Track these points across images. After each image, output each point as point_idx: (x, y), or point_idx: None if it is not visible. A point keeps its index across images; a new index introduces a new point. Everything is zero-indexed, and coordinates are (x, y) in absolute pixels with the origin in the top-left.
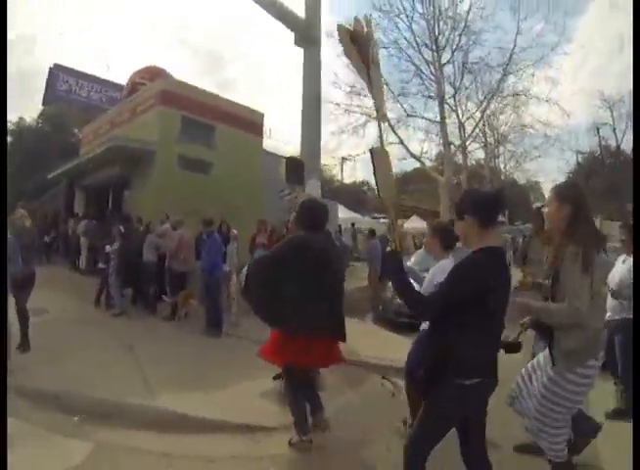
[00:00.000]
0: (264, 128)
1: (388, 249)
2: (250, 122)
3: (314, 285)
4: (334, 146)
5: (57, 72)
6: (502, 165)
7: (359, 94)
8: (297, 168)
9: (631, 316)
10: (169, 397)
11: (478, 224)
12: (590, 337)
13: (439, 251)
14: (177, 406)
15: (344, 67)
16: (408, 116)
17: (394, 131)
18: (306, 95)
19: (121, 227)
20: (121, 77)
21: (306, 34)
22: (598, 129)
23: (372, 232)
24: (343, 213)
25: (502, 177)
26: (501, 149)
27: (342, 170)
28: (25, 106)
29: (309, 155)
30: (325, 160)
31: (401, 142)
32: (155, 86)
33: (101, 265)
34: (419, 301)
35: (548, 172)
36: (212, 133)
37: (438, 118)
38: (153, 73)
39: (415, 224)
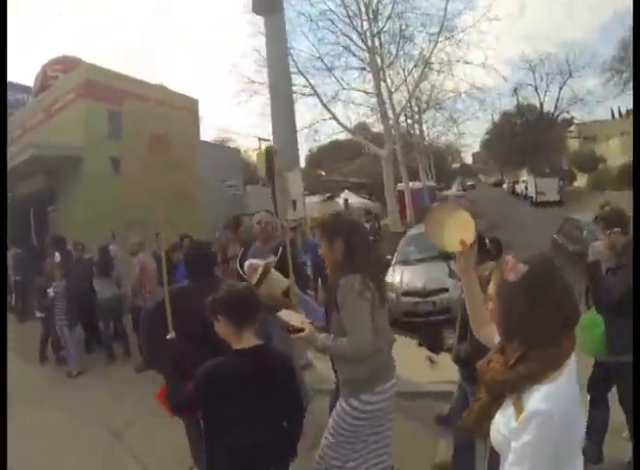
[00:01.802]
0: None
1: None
2: (182, 110)
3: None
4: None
5: None
6: (426, 132)
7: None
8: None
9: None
10: None
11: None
12: (377, 364)
13: None
14: None
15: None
16: (344, 89)
17: (326, 107)
18: (273, 71)
19: (57, 255)
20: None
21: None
22: (516, 90)
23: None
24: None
25: (426, 143)
26: (426, 115)
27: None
28: None
29: (285, 144)
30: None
31: (334, 117)
32: (73, 77)
33: (39, 315)
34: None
35: (469, 135)
36: None
37: (372, 90)
38: (68, 64)
39: (350, 200)
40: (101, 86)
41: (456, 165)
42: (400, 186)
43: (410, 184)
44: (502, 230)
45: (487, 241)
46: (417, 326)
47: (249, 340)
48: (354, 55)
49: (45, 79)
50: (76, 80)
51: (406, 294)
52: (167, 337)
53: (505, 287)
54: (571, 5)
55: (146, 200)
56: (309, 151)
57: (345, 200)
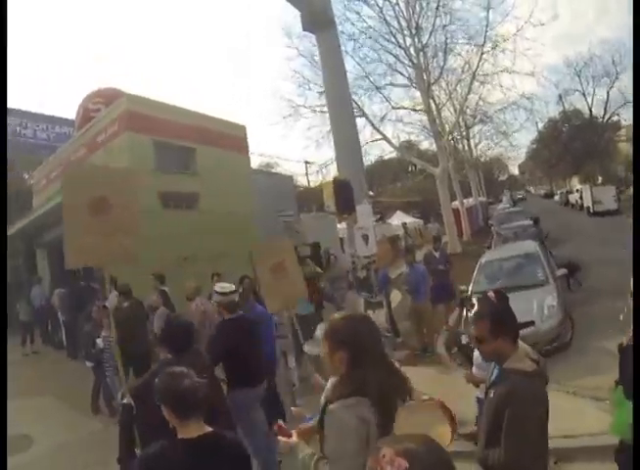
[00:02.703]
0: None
1: None
2: (231, 138)
3: None
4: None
5: None
6: (474, 146)
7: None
8: (347, 193)
9: None
10: None
11: None
12: None
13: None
14: None
15: (312, 66)
16: (393, 108)
17: (376, 127)
18: (330, 91)
19: (105, 304)
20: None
21: (318, 15)
22: (560, 96)
23: (410, 253)
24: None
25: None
26: (472, 130)
27: (307, 175)
28: None
29: (351, 173)
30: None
31: (385, 138)
32: (115, 109)
33: (89, 364)
34: None
35: (518, 146)
36: (192, 157)
37: (420, 107)
38: (109, 96)
39: (401, 220)
40: (144, 117)
41: (502, 178)
42: (454, 204)
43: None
44: (567, 244)
45: None
46: None
47: (195, 429)
48: (399, 72)
49: (87, 113)
50: (118, 112)
51: None
52: (124, 401)
53: None
54: (603, 2)
55: (89, 263)
56: None
57: (404, 223)
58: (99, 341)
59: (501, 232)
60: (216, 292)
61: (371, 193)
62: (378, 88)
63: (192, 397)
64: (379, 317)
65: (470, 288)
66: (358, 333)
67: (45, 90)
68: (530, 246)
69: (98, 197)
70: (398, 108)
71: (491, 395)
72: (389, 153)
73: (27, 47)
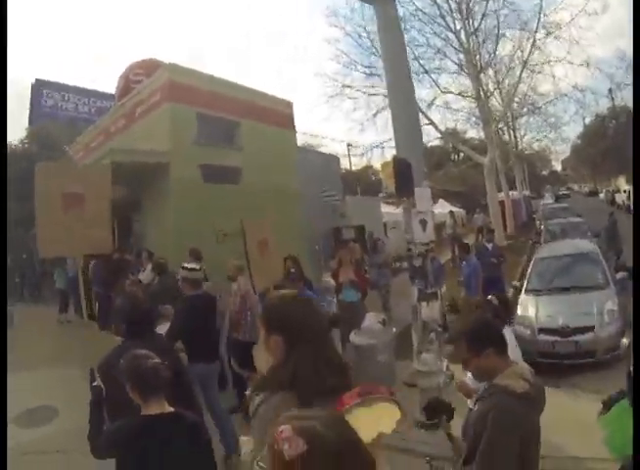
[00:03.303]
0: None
1: None
2: (277, 114)
3: None
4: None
5: (40, 88)
6: (519, 138)
7: (376, 75)
8: (407, 174)
9: None
10: None
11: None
12: None
13: None
14: None
15: (357, 46)
16: (442, 92)
17: (424, 112)
18: (390, 65)
19: (140, 278)
20: (111, 87)
21: None
22: (611, 90)
23: (465, 245)
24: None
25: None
26: (519, 121)
27: (349, 156)
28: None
29: (410, 153)
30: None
31: (432, 124)
32: (157, 79)
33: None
34: None
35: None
36: (237, 131)
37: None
38: (150, 67)
39: (444, 210)
40: (187, 88)
41: (545, 173)
42: (499, 196)
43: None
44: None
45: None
46: (556, 369)
47: (157, 407)
48: (448, 57)
49: (127, 84)
50: (160, 82)
51: (543, 331)
52: (94, 384)
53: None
54: None
55: (59, 254)
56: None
57: (451, 212)
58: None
59: (549, 228)
60: (183, 267)
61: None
62: (427, 72)
63: (153, 377)
64: (432, 310)
65: (524, 285)
66: (296, 316)
67: (91, 65)
68: (588, 245)
69: (71, 193)
70: (447, 92)
71: (475, 408)
72: (434, 139)
73: (74, 21)
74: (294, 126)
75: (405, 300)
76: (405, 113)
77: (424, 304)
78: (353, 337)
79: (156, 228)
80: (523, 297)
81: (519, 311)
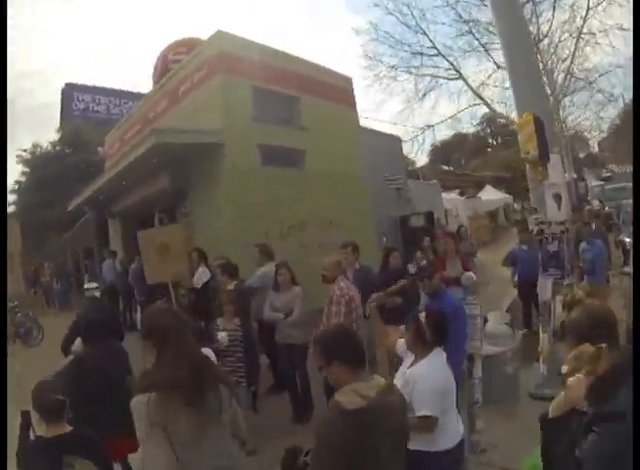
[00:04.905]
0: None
1: None
2: (338, 90)
3: None
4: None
5: (70, 92)
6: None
7: (423, 54)
8: (544, 134)
9: None
10: None
11: None
12: None
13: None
14: None
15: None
16: (499, 68)
17: (475, 92)
18: (506, 33)
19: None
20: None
21: None
22: None
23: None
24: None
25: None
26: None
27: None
28: (42, 135)
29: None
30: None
31: (486, 104)
32: (204, 50)
33: None
34: None
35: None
36: (297, 108)
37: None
38: (191, 45)
39: (490, 196)
40: (240, 58)
41: (582, 155)
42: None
43: None
44: None
45: None
46: None
47: (55, 429)
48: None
49: (166, 64)
50: (208, 54)
51: None
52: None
53: None
54: None
55: (157, 280)
56: (431, 145)
57: (508, 204)
58: (222, 335)
59: (627, 210)
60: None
61: (447, 168)
62: (483, 47)
63: (52, 401)
64: None
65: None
66: (161, 325)
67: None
68: None
69: (162, 243)
70: (503, 68)
71: None
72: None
73: (109, 23)
74: (355, 104)
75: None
76: (524, 70)
77: (558, 298)
78: (477, 345)
79: (206, 220)
80: None
81: None
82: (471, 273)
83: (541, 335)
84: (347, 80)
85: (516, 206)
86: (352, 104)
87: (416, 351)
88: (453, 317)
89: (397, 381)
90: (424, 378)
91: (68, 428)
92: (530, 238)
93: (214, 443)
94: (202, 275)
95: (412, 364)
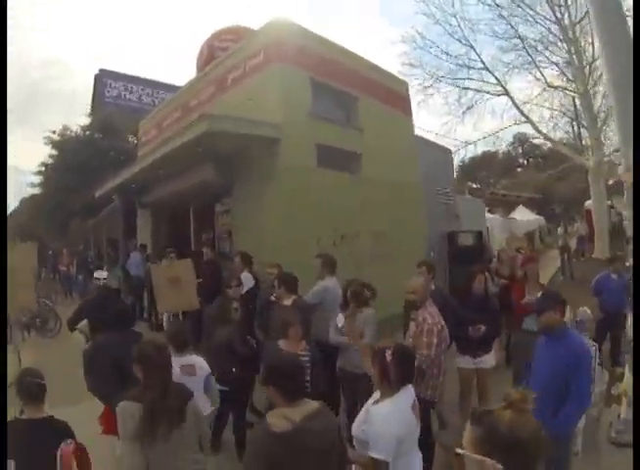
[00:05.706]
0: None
1: None
2: (395, 94)
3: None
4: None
5: (103, 78)
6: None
7: (470, 67)
8: None
9: None
10: None
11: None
12: None
13: None
14: None
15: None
16: (548, 87)
17: (519, 109)
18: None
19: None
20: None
21: None
22: None
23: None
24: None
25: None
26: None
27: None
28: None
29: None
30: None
31: (530, 122)
32: (259, 38)
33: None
34: None
35: None
36: (354, 108)
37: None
38: (239, 33)
39: (524, 217)
40: (299, 48)
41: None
42: (587, 204)
43: None
44: None
45: None
46: None
47: (30, 412)
48: (553, 43)
49: (212, 52)
50: (263, 41)
51: None
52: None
53: None
54: None
55: (169, 309)
56: (461, 162)
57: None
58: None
59: None
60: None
61: (474, 185)
62: (536, 64)
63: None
64: None
65: None
66: (145, 355)
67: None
68: None
69: (173, 276)
70: (553, 87)
71: None
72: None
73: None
74: (411, 110)
75: None
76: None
77: None
78: None
79: (251, 220)
80: None
81: None
82: (586, 308)
83: (627, 374)
84: (404, 84)
85: (549, 228)
86: (408, 110)
87: (381, 389)
88: (577, 364)
89: (361, 414)
90: (382, 421)
91: (45, 414)
92: (624, 267)
93: (180, 447)
94: (245, 281)
95: (377, 402)
